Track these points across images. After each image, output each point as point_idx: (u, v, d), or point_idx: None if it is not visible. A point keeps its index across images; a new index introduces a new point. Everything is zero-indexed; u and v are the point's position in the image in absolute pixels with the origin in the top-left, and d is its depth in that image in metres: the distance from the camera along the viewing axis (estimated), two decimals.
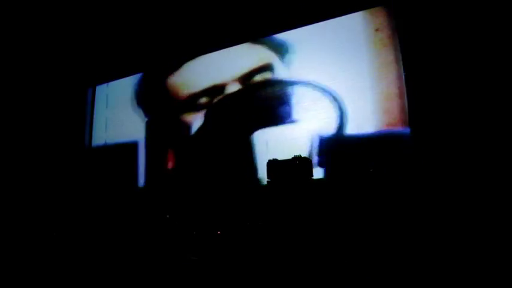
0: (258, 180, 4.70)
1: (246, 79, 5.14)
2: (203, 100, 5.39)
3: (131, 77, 6.16)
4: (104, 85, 6.41)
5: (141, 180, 5.74)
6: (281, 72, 4.91)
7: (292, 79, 4.80)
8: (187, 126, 5.48)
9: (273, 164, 3.80)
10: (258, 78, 5.05)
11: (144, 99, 6.05)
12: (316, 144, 4.46)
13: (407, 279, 2.80)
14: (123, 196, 5.33)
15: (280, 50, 4.96)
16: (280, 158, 3.73)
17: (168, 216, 4.09)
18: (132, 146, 5.91)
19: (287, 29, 4.94)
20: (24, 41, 5.33)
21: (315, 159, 4.34)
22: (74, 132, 5.97)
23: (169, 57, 5.70)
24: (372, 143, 3.99)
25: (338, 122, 4.35)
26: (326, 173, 4.30)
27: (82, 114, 6.11)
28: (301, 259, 3.21)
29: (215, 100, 5.31)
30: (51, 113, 5.74)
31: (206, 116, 5.36)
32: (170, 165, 5.56)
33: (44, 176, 5.45)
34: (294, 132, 4.65)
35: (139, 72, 6.12)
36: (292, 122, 4.71)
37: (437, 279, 2.74)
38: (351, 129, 4.28)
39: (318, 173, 4.12)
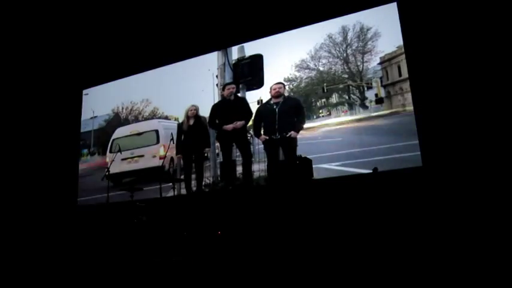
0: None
1: None
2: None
3: None
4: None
5: None
6: None
7: None
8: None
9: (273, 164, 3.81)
10: None
11: None
12: None
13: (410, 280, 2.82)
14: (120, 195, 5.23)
15: None
16: None
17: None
18: None
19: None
20: (19, 42, 5.23)
21: None
22: (69, 132, 5.86)
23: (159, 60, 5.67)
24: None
25: None
26: None
27: (77, 115, 6.02)
28: (301, 260, 3.21)
29: None
30: (46, 114, 5.64)
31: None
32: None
33: (40, 177, 5.33)
34: None
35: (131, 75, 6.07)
36: None
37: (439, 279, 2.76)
38: None
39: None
